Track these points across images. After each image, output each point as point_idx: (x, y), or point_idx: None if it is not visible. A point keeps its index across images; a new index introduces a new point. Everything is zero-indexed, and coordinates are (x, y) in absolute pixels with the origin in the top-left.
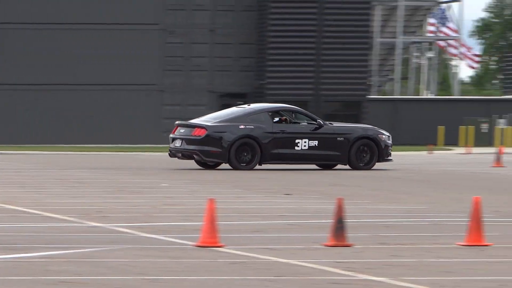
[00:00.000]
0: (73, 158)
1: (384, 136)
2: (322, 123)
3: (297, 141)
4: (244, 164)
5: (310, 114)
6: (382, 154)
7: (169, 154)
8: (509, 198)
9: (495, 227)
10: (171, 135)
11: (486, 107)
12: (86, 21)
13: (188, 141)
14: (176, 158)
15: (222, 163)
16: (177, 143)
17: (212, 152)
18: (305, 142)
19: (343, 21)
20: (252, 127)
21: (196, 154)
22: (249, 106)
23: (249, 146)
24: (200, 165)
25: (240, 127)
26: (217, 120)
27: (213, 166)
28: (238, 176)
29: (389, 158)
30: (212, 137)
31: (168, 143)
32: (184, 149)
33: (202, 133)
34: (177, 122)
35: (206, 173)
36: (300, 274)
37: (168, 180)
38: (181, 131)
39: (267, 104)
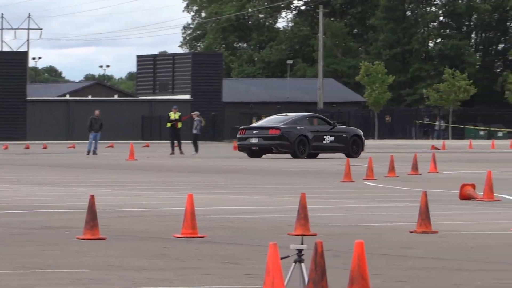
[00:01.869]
0: None
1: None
2: (335, 125)
3: (324, 137)
4: (301, 154)
5: (326, 118)
6: (363, 146)
7: (239, 149)
8: None
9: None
10: (240, 136)
11: None
12: None
13: (265, 138)
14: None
15: (287, 153)
16: (254, 140)
17: (284, 145)
18: (328, 138)
19: None
20: (303, 127)
21: (274, 147)
22: (291, 114)
23: (303, 141)
24: (250, 156)
25: (297, 128)
26: (283, 123)
27: (259, 155)
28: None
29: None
30: (283, 135)
31: None
32: (262, 144)
33: (277, 132)
34: (243, 127)
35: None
36: None
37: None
38: (254, 132)
39: (301, 112)
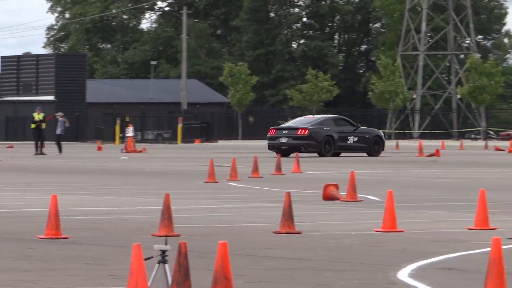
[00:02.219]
0: None
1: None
2: (358, 126)
3: (348, 137)
4: (327, 153)
5: (350, 120)
6: (383, 146)
7: (269, 148)
8: None
9: None
10: (270, 135)
11: None
12: None
13: (294, 138)
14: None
15: (315, 152)
16: (284, 140)
17: (312, 145)
18: (351, 138)
19: None
20: (329, 128)
21: (303, 146)
22: (317, 115)
23: (329, 141)
24: (282, 155)
25: (324, 128)
26: (310, 124)
27: (287, 154)
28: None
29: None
30: (311, 135)
31: None
32: (291, 143)
33: (306, 132)
34: (273, 127)
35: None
36: None
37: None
38: (284, 132)
39: (327, 114)
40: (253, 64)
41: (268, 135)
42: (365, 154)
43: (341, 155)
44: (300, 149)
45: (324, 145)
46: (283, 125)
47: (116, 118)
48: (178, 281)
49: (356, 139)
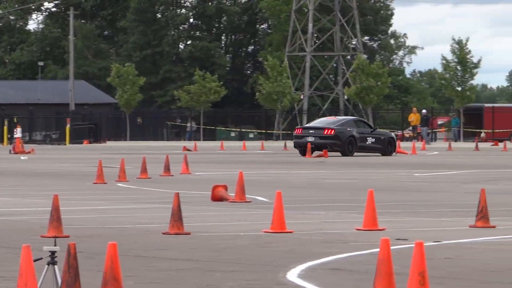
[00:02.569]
0: None
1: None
2: (375, 128)
3: (367, 138)
4: (349, 152)
5: (368, 122)
6: (395, 147)
7: (294, 146)
8: None
9: None
10: (297, 134)
11: None
12: None
13: (321, 137)
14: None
15: (339, 151)
16: (310, 139)
17: (337, 144)
18: (370, 139)
19: None
20: (351, 129)
21: (329, 145)
22: (339, 117)
23: (351, 141)
24: (302, 154)
25: (347, 129)
26: (335, 124)
27: (304, 154)
28: None
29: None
30: (337, 135)
31: None
32: (318, 142)
33: (332, 132)
34: (299, 126)
35: None
36: None
37: None
38: (310, 131)
39: (349, 116)
40: (141, 65)
41: (294, 134)
42: (379, 154)
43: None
44: (326, 147)
45: (347, 145)
46: (308, 125)
47: (4, 119)
48: (67, 282)
49: (373, 140)
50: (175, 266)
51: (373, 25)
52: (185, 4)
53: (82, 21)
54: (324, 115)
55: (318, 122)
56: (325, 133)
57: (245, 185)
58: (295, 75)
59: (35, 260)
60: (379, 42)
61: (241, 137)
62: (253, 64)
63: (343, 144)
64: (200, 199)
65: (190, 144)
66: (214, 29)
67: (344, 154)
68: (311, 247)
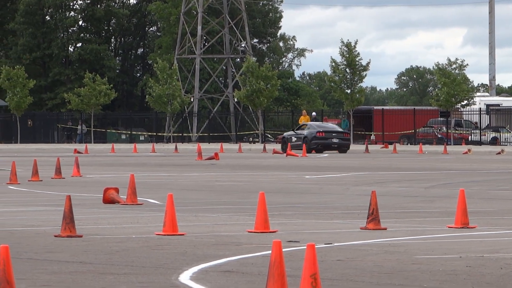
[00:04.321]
0: None
1: None
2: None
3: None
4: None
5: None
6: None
7: (319, 146)
8: None
9: None
10: (320, 136)
11: None
12: None
13: (343, 139)
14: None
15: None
16: (335, 140)
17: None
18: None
19: None
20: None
21: (348, 146)
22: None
23: None
24: (318, 151)
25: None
26: (346, 129)
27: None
28: None
29: None
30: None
31: None
32: (341, 143)
33: (348, 135)
34: (322, 130)
35: None
36: None
37: None
38: (333, 134)
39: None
40: (30, 67)
41: (317, 136)
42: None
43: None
44: (347, 146)
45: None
46: (330, 129)
47: None
48: None
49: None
50: (68, 268)
51: (262, 28)
52: (74, 7)
53: None
54: (214, 118)
55: (331, 127)
56: (345, 136)
57: (137, 187)
58: (185, 77)
59: None
60: (268, 44)
61: (132, 139)
62: (143, 67)
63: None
64: (92, 202)
65: (81, 146)
66: (103, 31)
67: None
68: (204, 249)
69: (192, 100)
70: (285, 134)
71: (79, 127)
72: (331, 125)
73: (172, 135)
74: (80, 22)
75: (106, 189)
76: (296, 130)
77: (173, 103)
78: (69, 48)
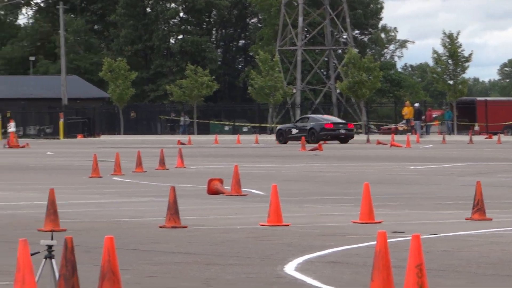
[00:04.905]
0: None
1: None
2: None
3: None
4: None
5: None
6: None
7: (328, 136)
8: None
9: None
10: (329, 127)
11: None
12: None
13: (348, 130)
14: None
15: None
16: (342, 131)
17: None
18: None
19: None
20: None
21: (352, 137)
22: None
23: None
24: (327, 140)
25: None
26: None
27: (346, 141)
28: None
29: None
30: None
31: None
32: (348, 133)
33: (352, 126)
34: (331, 122)
35: None
36: None
37: None
38: (340, 125)
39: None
40: (132, 59)
41: (325, 127)
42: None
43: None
44: (352, 136)
45: None
46: (338, 121)
47: None
48: (65, 276)
49: None
50: (173, 259)
51: (363, 19)
52: None
53: (72, 15)
54: (317, 110)
55: (335, 119)
56: (349, 126)
57: (241, 178)
58: (287, 69)
59: (32, 254)
60: (370, 36)
61: (235, 131)
62: (245, 59)
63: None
64: (196, 193)
65: (184, 138)
66: (204, 23)
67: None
68: (308, 240)
69: (294, 91)
70: (281, 126)
71: (181, 118)
72: (334, 117)
73: (275, 126)
74: (181, 14)
75: (211, 180)
76: (295, 122)
77: (276, 94)
78: (170, 40)
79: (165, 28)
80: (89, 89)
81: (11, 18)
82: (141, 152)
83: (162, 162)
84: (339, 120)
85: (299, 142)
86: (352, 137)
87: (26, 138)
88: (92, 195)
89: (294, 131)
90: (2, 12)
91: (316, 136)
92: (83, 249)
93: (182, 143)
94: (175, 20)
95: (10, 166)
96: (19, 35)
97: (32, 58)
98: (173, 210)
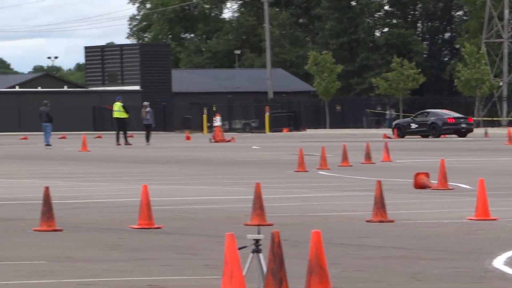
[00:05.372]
0: None
1: None
2: None
3: None
4: None
5: None
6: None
7: (450, 131)
8: None
9: None
10: (451, 122)
11: None
12: None
13: (468, 124)
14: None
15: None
16: (464, 125)
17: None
18: None
19: None
20: None
21: (471, 131)
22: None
23: None
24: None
25: None
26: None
27: (464, 135)
28: None
29: None
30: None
31: None
32: (468, 127)
33: (472, 120)
34: (452, 116)
35: None
36: None
37: None
38: (461, 120)
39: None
40: (337, 52)
41: (447, 122)
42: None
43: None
44: (472, 130)
45: None
46: (457, 115)
47: (203, 107)
48: (273, 270)
49: None
50: (380, 253)
51: None
52: None
53: (277, 9)
54: None
55: (455, 114)
56: (469, 120)
57: (447, 172)
58: (493, 61)
59: (239, 248)
60: None
61: None
62: (450, 51)
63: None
64: (402, 187)
65: (390, 131)
66: (409, 16)
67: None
68: None
69: (500, 84)
70: (399, 121)
71: (387, 112)
72: (453, 112)
73: (481, 120)
74: (386, 7)
75: (417, 174)
76: (414, 117)
77: (482, 87)
78: (376, 33)
79: (370, 21)
80: (295, 82)
81: (216, 12)
82: (347, 146)
83: (368, 156)
84: (459, 115)
85: (417, 136)
86: (472, 131)
87: (231, 132)
88: (297, 189)
89: (413, 125)
90: (208, 6)
91: (437, 130)
92: (290, 243)
93: (388, 137)
94: (380, 13)
95: (216, 160)
96: (224, 29)
97: (237, 52)
98: (380, 204)
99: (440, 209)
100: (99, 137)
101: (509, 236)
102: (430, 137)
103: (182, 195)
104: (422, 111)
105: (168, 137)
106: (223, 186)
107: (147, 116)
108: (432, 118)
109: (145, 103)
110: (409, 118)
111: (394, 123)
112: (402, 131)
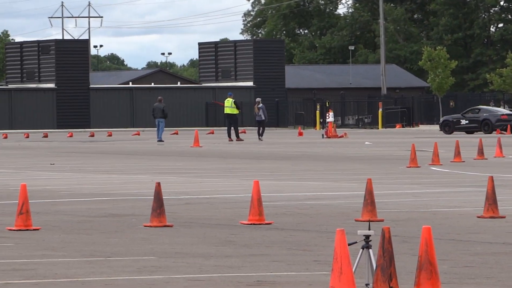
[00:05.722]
0: None
1: None
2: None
3: None
4: None
5: None
6: None
7: (503, 128)
8: None
9: None
10: (504, 119)
11: None
12: None
13: (499, 120)
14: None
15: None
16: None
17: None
18: None
19: None
20: None
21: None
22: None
23: None
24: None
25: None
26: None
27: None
28: None
29: None
30: None
31: None
32: (499, 124)
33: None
34: (505, 113)
35: None
36: None
37: None
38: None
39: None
40: (452, 48)
41: (501, 118)
42: None
43: None
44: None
45: None
46: (508, 112)
47: (316, 103)
48: (382, 266)
49: None
50: (490, 250)
51: None
52: None
53: (392, 4)
54: None
55: (506, 111)
56: (503, 117)
57: None
58: None
59: (349, 244)
60: None
61: None
62: None
63: None
64: None
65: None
66: None
67: None
68: None
69: None
70: (447, 117)
71: (501, 108)
72: (502, 109)
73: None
74: (502, 3)
75: None
76: (464, 113)
77: None
78: (491, 29)
79: (485, 17)
80: (408, 78)
81: (331, 8)
82: (459, 142)
83: (480, 152)
84: (509, 112)
85: (465, 132)
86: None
87: (344, 128)
88: (409, 185)
89: (463, 122)
90: (322, 2)
91: (490, 126)
92: (400, 239)
93: (501, 132)
94: (496, 9)
95: (328, 156)
96: (338, 25)
97: (351, 47)
98: (491, 200)
99: None
100: (212, 132)
101: None
102: (480, 133)
103: (293, 191)
104: (473, 107)
105: (281, 133)
106: (334, 181)
107: (259, 112)
108: (484, 115)
109: (257, 99)
110: (458, 114)
111: (442, 119)
112: (451, 127)
